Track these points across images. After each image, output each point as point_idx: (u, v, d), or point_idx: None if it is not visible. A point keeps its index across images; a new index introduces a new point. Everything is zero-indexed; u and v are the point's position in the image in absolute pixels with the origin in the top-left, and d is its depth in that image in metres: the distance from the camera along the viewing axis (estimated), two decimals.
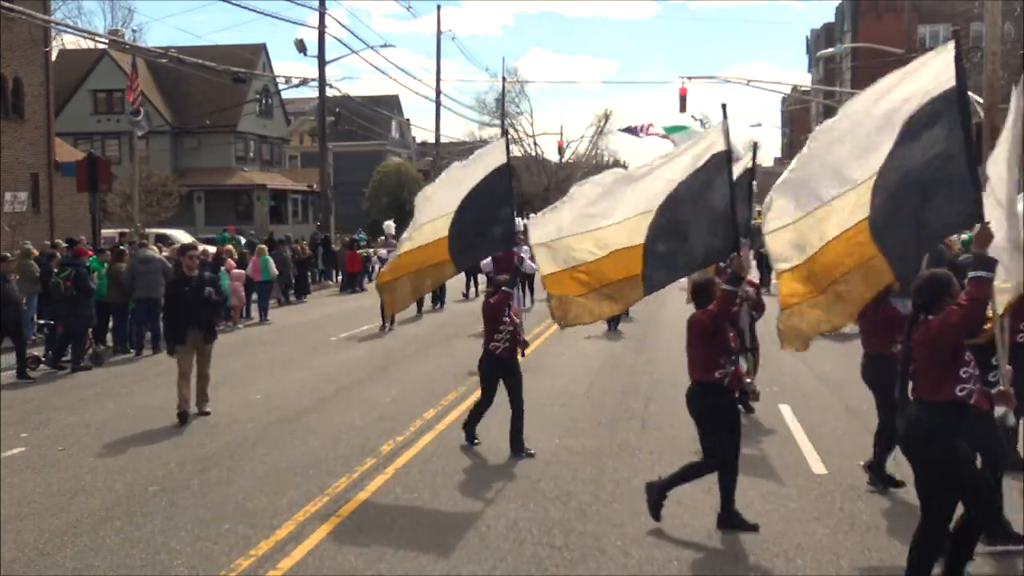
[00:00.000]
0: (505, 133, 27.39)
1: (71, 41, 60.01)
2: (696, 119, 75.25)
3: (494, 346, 10.47)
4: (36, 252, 20.26)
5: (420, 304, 24.11)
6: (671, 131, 56.78)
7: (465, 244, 10.28)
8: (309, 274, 31.53)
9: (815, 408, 12.70)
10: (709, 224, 8.12)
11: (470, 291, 28.23)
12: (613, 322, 20.85)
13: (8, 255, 17.16)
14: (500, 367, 10.55)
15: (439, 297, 25.84)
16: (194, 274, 12.77)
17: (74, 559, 7.41)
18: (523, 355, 10.85)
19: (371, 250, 33.00)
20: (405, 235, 10.86)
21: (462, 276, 27.22)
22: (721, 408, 7.91)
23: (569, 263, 8.66)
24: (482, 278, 26.71)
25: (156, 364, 17.11)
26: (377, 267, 22.67)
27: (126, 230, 31.36)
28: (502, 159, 10.30)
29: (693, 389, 8.04)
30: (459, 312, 24.76)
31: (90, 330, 17.57)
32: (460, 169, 10.68)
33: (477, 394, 13.07)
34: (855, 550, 7.43)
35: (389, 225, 30.25)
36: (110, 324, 18.99)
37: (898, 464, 8.59)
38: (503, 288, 10.55)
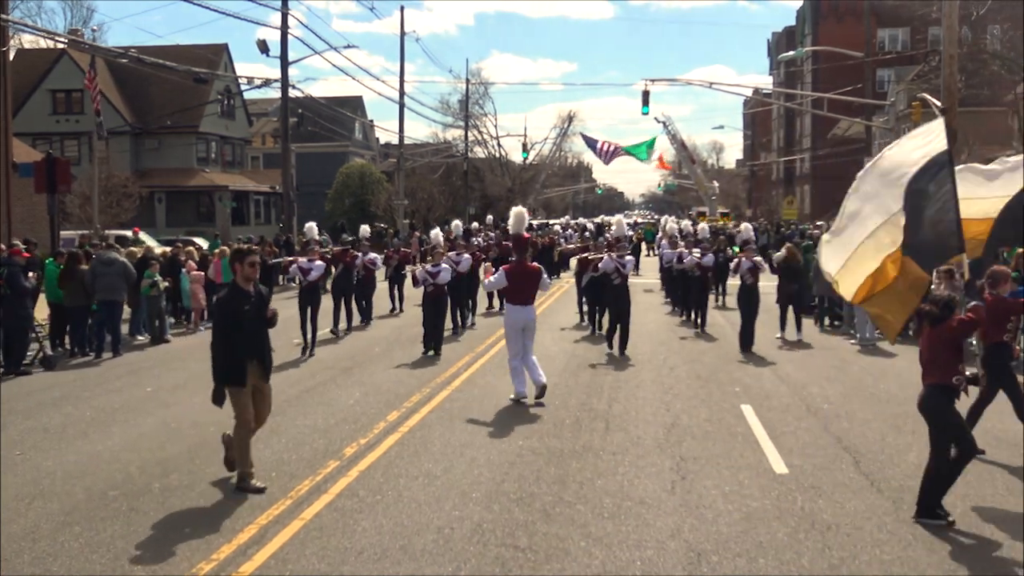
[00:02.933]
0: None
1: (29, 40, 59.18)
2: (659, 121, 75.53)
3: None
4: None
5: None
6: (635, 151, 57.04)
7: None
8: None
9: (776, 408, 12.81)
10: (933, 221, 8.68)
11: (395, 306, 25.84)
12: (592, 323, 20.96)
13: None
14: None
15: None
16: (251, 288, 9.53)
17: (32, 565, 7.32)
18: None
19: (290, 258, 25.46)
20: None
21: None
22: (951, 411, 8.15)
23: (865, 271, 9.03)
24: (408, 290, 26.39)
25: (116, 367, 16.95)
26: (299, 277, 18.92)
27: (86, 232, 30.98)
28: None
29: (931, 391, 8.18)
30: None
31: (38, 332, 17.36)
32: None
33: (439, 397, 13.03)
34: (815, 549, 7.50)
35: (311, 228, 21.29)
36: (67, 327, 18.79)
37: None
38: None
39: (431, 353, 17.61)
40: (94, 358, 17.82)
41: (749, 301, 18.36)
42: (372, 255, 22.42)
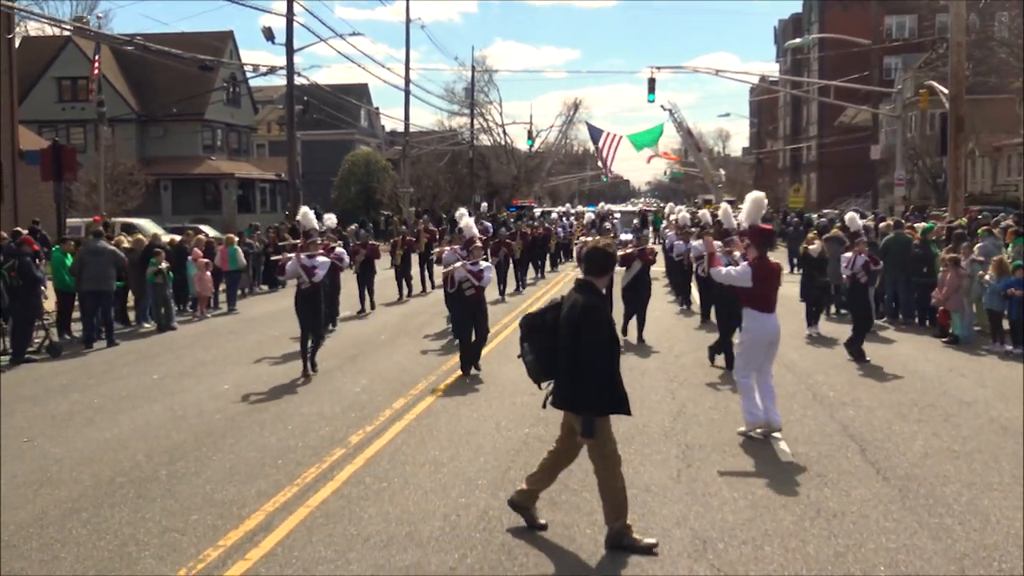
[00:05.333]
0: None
1: (35, 28, 59.22)
2: (665, 108, 75.33)
3: None
4: None
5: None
6: (640, 143, 56.47)
7: None
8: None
9: (782, 396, 12.77)
10: None
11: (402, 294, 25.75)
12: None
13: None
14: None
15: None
16: None
17: (40, 551, 7.35)
18: None
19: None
20: None
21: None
22: None
23: None
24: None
25: (122, 355, 17.00)
26: (302, 277, 14.58)
27: (90, 219, 31.04)
28: None
29: None
30: (428, 302, 24.74)
31: (44, 320, 17.40)
32: None
33: (445, 385, 13.05)
34: (821, 536, 7.51)
35: (306, 213, 16.53)
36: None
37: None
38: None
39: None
40: (84, 348, 17.66)
41: (863, 303, 16.22)
42: (339, 250, 18.81)
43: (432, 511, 8.12)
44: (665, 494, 8.54)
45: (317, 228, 16.23)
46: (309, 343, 14.65)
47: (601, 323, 7.28)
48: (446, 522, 7.84)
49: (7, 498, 8.60)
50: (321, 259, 14.94)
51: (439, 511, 8.11)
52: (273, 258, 23.52)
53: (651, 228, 42.63)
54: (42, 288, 17.30)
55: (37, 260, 17.88)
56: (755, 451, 10.02)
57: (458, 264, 14.85)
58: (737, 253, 13.17)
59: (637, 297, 17.64)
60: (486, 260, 15.16)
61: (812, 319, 18.73)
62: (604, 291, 7.69)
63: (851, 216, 18.97)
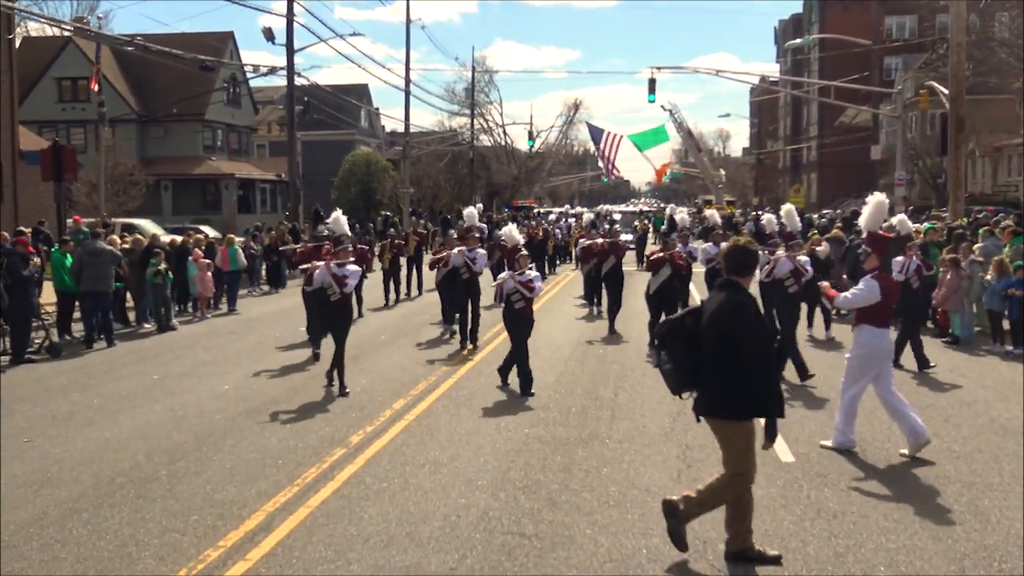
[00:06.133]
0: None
1: (35, 28, 59.16)
2: (665, 108, 75.28)
3: None
4: None
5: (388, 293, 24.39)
6: (644, 144, 56.02)
7: None
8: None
9: None
10: None
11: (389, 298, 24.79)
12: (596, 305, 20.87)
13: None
14: None
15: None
16: None
17: (41, 551, 7.35)
18: None
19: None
20: None
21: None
22: None
23: None
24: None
25: (122, 355, 16.99)
26: (333, 288, 13.19)
27: (93, 220, 31.04)
28: None
29: None
30: (430, 302, 24.71)
31: (43, 320, 17.38)
32: None
33: (446, 386, 13.07)
34: (821, 537, 7.51)
35: (338, 219, 15.43)
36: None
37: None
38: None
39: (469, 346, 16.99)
40: (84, 349, 17.65)
41: (915, 309, 15.48)
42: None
43: (432, 511, 8.12)
44: (666, 494, 8.51)
45: (348, 234, 15.01)
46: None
47: (755, 320, 6.89)
48: (446, 522, 7.84)
49: (7, 498, 8.60)
50: (352, 268, 13.69)
51: (439, 511, 8.11)
52: (281, 248, 22.98)
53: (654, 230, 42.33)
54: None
55: (34, 260, 17.81)
56: (755, 452, 9.99)
57: (505, 275, 13.88)
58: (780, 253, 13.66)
59: (665, 305, 16.40)
60: (532, 269, 14.15)
61: (826, 323, 18.32)
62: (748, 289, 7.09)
63: (901, 219, 16.95)
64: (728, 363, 6.77)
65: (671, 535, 7.11)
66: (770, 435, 7.03)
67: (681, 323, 7.18)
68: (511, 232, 16.72)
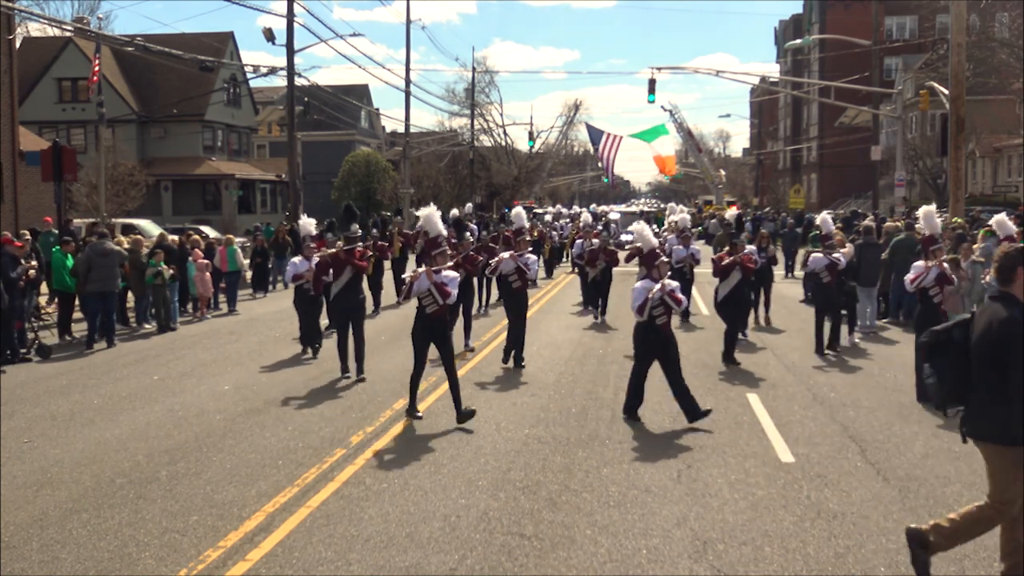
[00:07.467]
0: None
1: (36, 28, 59.11)
2: (665, 109, 75.28)
3: None
4: None
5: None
6: (648, 137, 56.01)
7: None
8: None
9: (782, 397, 12.81)
10: None
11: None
12: (597, 308, 20.76)
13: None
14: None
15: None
16: None
17: (40, 552, 7.35)
18: None
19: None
20: None
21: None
22: None
23: None
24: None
25: (122, 355, 16.99)
26: (436, 297, 11.55)
27: (94, 220, 31.02)
28: None
29: None
30: (406, 312, 24.66)
31: (34, 322, 17.35)
32: None
33: (445, 386, 13.06)
34: (821, 537, 7.51)
35: (429, 216, 13.43)
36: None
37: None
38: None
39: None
40: (86, 349, 17.67)
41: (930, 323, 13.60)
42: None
43: (432, 512, 8.12)
44: (665, 495, 8.54)
45: (443, 233, 12.69)
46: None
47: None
48: (446, 523, 7.84)
49: (7, 499, 8.60)
50: (450, 274, 11.83)
51: (439, 512, 8.11)
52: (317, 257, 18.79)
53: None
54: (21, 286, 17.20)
55: (32, 262, 17.76)
56: (755, 452, 10.01)
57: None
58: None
59: (737, 312, 15.77)
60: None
61: (850, 327, 17.92)
62: None
63: (926, 211, 14.48)
64: (994, 382, 6.17)
65: (916, 565, 6.57)
66: None
67: (949, 334, 6.59)
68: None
